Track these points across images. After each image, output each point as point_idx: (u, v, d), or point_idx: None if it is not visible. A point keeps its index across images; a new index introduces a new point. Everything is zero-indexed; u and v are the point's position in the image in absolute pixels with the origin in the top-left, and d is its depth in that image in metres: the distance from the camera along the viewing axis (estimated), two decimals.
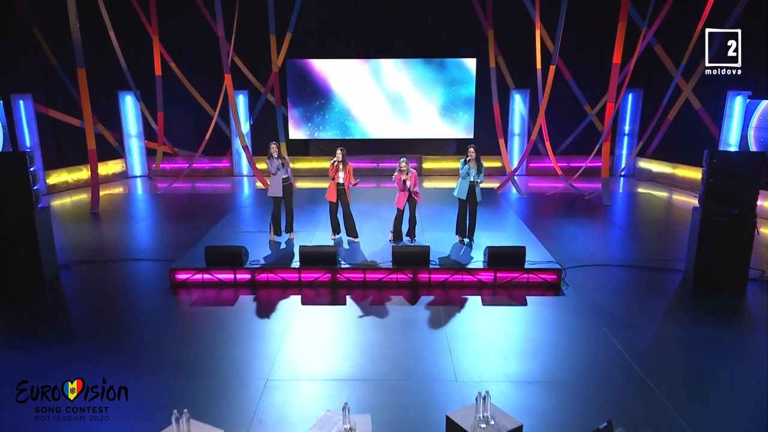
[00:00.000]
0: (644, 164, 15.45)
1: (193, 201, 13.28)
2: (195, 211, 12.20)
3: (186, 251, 8.80)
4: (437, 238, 9.31)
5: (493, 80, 14.79)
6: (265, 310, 7.21)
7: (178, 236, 10.23)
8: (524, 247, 7.95)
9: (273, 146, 8.98)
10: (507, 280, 7.87)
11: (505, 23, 15.15)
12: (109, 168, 15.42)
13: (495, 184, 14.68)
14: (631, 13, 12.72)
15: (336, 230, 9.31)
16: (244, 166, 16.04)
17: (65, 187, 14.22)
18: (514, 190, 14.04)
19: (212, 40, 14.18)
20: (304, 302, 7.48)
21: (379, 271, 7.97)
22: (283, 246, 9.04)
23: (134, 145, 15.72)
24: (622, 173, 15.50)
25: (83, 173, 14.57)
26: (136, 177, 15.92)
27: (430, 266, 7.97)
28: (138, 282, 8.17)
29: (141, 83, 15.19)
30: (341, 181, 8.96)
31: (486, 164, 16.23)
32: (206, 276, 7.95)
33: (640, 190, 14.56)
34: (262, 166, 15.53)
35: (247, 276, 7.97)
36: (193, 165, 15.70)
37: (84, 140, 12.65)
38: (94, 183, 12.29)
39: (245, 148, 13.90)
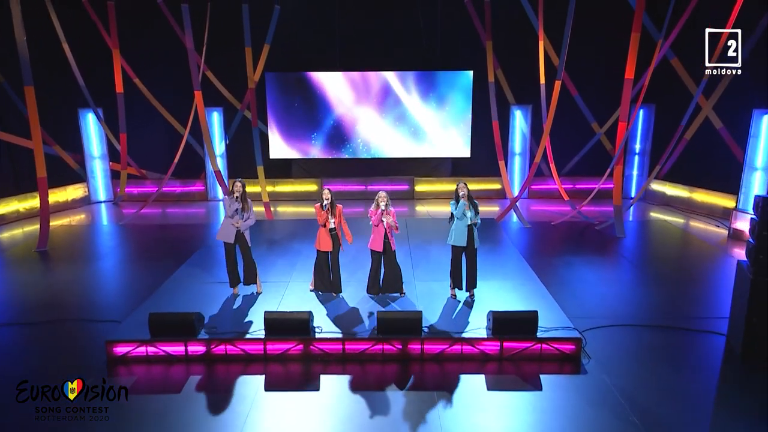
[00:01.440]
0: (657, 186, 14.15)
1: (159, 233, 11.86)
2: (159, 247, 10.80)
3: (133, 310, 7.40)
4: (430, 290, 7.95)
5: (492, 95, 13.47)
6: (218, 400, 5.81)
7: (133, 284, 8.86)
8: (536, 312, 6.59)
9: (237, 184, 7.60)
10: (515, 351, 6.51)
11: (504, 33, 13.84)
12: (69, 193, 13.98)
13: (494, 209, 13.36)
14: (645, 24, 11.43)
15: (322, 284, 7.89)
16: (220, 190, 14.63)
17: (16, 217, 12.76)
18: (515, 218, 12.71)
19: (181, 51, 12.79)
20: (268, 386, 6.09)
21: (362, 342, 6.59)
22: (247, 302, 7.65)
23: (98, 167, 14.29)
24: (636, 200, 14.16)
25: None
26: (101, 202, 14.48)
27: (423, 334, 6.60)
28: (68, 356, 6.72)
29: (104, 100, 13.79)
30: (332, 225, 7.59)
31: (485, 186, 15.10)
32: (151, 349, 6.55)
33: (652, 215, 13.28)
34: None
35: (201, 348, 6.57)
36: (164, 189, 14.30)
37: (49, 164, 11.22)
38: (44, 216, 10.84)
39: (217, 172, 12.51)
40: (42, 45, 12.55)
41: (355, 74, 14.48)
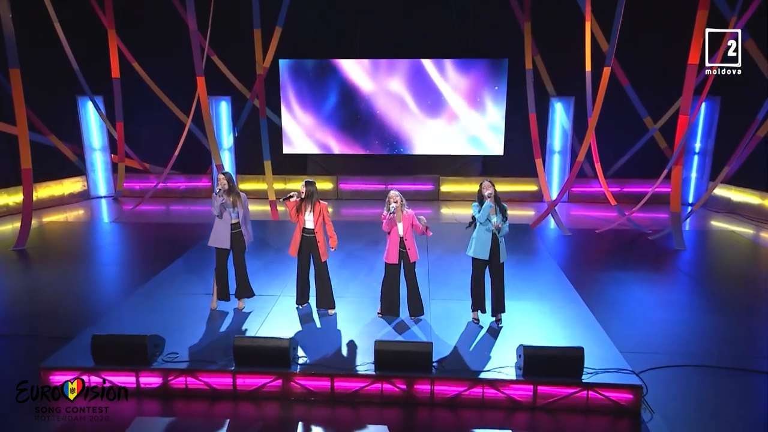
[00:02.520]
0: (721, 191, 12.33)
1: (154, 232, 10.71)
2: (146, 248, 9.66)
3: (88, 326, 6.16)
4: (447, 312, 6.52)
5: (530, 85, 11.93)
6: None
7: (105, 292, 7.75)
8: (581, 350, 5.08)
9: (221, 178, 6.33)
10: (554, 399, 5.01)
11: (545, 15, 12.27)
12: (66, 187, 12.99)
13: (529, 213, 11.80)
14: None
15: (302, 299, 6.61)
16: None
17: (5, 211, 11.79)
18: (553, 224, 11.12)
19: (185, 33, 11.61)
20: None
21: (355, 379, 5.20)
22: (225, 322, 6.35)
23: (98, 159, 13.27)
24: (698, 207, 12.37)
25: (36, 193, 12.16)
26: (101, 197, 13.47)
27: (434, 372, 5.17)
28: None
29: (104, 88, 12.74)
30: (310, 225, 6.28)
31: (519, 188, 13.54)
32: (95, 379, 5.29)
33: (714, 224, 11.51)
34: (247, 186, 13.04)
35: (157, 380, 5.28)
36: (168, 184, 13.22)
37: (44, 156, 10.34)
38: (26, 213, 9.82)
39: (219, 167, 11.31)
40: (37, 26, 11.59)
41: (376, 62, 13.11)
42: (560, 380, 5.01)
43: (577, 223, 11.48)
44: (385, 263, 6.21)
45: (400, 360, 5.13)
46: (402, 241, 6.10)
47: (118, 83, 12.08)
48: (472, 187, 13.51)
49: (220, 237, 6.41)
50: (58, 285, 7.91)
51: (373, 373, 5.17)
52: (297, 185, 13.45)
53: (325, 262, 6.41)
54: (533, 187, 13.24)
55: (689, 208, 12.19)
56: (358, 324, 6.22)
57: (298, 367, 5.28)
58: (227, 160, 13.25)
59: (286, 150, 13.80)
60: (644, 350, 5.96)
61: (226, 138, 13.19)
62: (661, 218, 11.39)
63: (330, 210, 6.17)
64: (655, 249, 9.66)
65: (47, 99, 12.44)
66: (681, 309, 7.19)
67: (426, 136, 13.46)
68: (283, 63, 13.25)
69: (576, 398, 5.00)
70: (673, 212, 9.90)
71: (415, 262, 6.21)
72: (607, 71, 10.25)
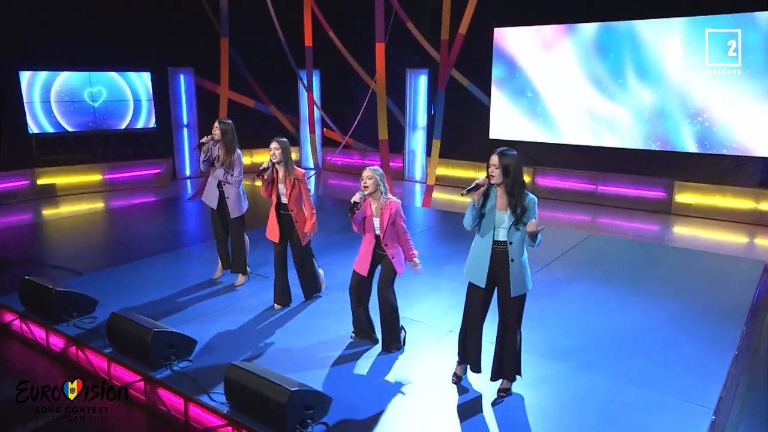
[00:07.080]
0: None
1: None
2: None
3: (105, 267, 5.91)
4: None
5: None
6: None
7: (180, 245, 7.49)
8: None
9: (215, 126, 5.40)
10: None
11: None
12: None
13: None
14: None
15: (281, 298, 5.07)
16: (418, 169, 12.26)
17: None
18: None
19: None
20: None
21: (209, 412, 3.57)
22: (198, 295, 5.32)
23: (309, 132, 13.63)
24: None
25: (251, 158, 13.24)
26: (309, 169, 13.83)
27: None
28: None
29: (322, 60, 12.85)
30: (285, 200, 4.79)
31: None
32: (24, 326, 4.89)
33: None
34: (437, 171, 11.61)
35: (59, 343, 4.59)
36: (354, 161, 12.97)
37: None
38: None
39: (383, 142, 10.18)
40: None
41: (606, 26, 10.01)
42: None
43: None
44: (353, 271, 4.27)
45: (252, 402, 3.28)
46: (379, 242, 4.08)
47: (310, 52, 11.99)
48: (736, 203, 9.25)
49: (209, 193, 5.55)
50: (154, 234, 8.01)
51: (226, 410, 3.45)
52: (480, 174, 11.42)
53: (307, 245, 4.86)
54: None
55: None
56: (327, 339, 4.44)
57: (168, 370, 3.89)
58: (419, 140, 12.05)
59: (494, 134, 11.83)
60: None
61: (421, 116, 11.98)
62: None
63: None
64: None
65: (274, 69, 13.12)
66: None
67: (659, 127, 9.76)
68: (499, 32, 11.30)
69: None
70: None
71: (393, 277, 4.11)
72: None
